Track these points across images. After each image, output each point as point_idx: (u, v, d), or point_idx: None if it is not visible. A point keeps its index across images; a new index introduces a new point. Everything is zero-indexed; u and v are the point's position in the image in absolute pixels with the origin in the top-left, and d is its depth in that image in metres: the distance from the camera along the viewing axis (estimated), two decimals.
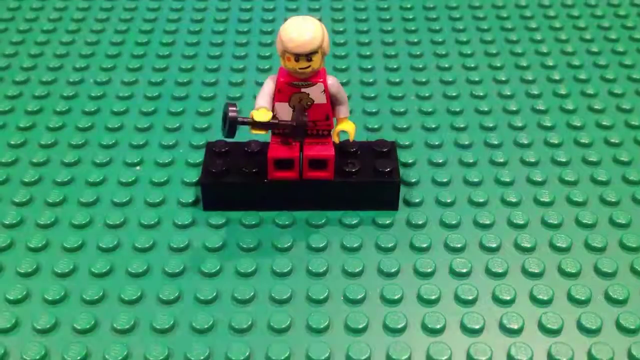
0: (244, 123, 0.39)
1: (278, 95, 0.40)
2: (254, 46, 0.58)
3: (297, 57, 0.38)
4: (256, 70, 0.55)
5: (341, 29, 0.60)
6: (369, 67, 0.55)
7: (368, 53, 0.57)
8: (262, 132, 0.39)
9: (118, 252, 0.40)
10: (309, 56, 0.38)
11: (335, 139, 0.41)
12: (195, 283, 0.38)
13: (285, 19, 0.39)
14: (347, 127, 0.41)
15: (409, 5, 0.63)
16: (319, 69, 0.39)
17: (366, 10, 0.63)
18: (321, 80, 0.40)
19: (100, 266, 0.39)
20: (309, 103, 0.40)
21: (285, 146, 0.41)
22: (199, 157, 0.46)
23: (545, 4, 0.63)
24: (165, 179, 0.45)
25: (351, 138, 0.41)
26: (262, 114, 0.39)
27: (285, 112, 0.40)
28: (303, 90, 0.39)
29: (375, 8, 0.63)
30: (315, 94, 0.40)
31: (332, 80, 0.40)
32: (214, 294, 0.38)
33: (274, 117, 0.39)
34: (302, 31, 0.38)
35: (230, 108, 0.38)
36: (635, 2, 0.64)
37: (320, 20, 0.39)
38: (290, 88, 0.39)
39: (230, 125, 0.38)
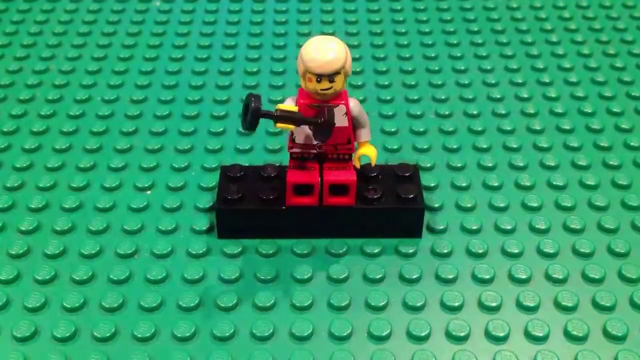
0: (267, 115, 0.36)
1: None
2: (266, 62, 0.56)
3: (319, 77, 0.36)
4: (269, 87, 0.53)
5: (356, 43, 0.58)
6: (386, 83, 0.53)
7: (384, 68, 0.55)
8: (287, 128, 0.37)
9: (130, 284, 0.38)
10: (331, 77, 0.36)
11: (357, 164, 0.39)
12: (211, 318, 0.37)
13: (301, 35, 0.37)
14: (368, 152, 0.39)
15: (424, 18, 0.61)
16: (341, 90, 0.37)
17: (381, 22, 0.61)
18: (343, 102, 0.38)
19: (111, 300, 0.37)
20: None
21: (304, 171, 0.39)
22: (211, 180, 0.44)
23: (566, 17, 0.61)
24: (177, 204, 0.43)
25: (373, 163, 0.40)
26: (287, 105, 0.37)
27: (304, 136, 0.38)
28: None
29: (390, 21, 0.61)
30: (337, 116, 0.38)
31: (353, 103, 0.38)
32: (232, 330, 0.36)
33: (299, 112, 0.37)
34: (325, 51, 0.36)
35: (253, 98, 0.36)
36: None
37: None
38: (311, 110, 0.38)
39: (253, 115, 0.36)
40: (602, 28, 0.60)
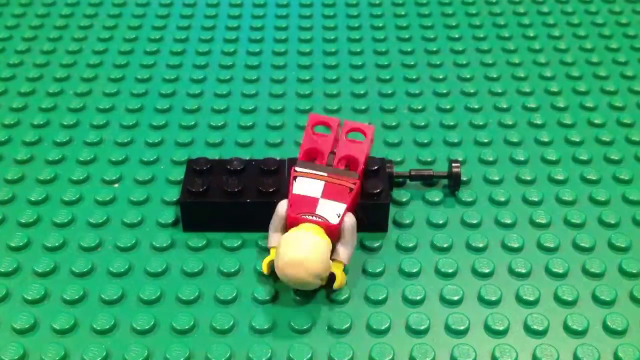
0: None
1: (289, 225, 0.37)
2: (242, 56, 0.56)
3: None
4: (243, 80, 0.53)
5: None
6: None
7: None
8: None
9: (92, 276, 0.38)
10: None
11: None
12: (172, 311, 0.36)
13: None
14: (337, 272, 0.37)
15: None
16: None
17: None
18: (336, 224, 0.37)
19: (72, 292, 0.37)
20: None
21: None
22: (180, 174, 0.44)
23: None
24: (144, 197, 0.43)
25: (336, 285, 0.37)
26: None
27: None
28: (314, 221, 0.37)
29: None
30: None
31: (348, 222, 0.37)
32: (192, 323, 0.36)
33: None
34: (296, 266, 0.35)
35: None
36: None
37: None
38: (301, 219, 0.37)
39: None
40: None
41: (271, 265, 0.37)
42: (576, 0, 0.63)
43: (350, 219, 0.37)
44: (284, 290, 0.37)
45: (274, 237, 0.38)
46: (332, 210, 0.37)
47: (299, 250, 0.35)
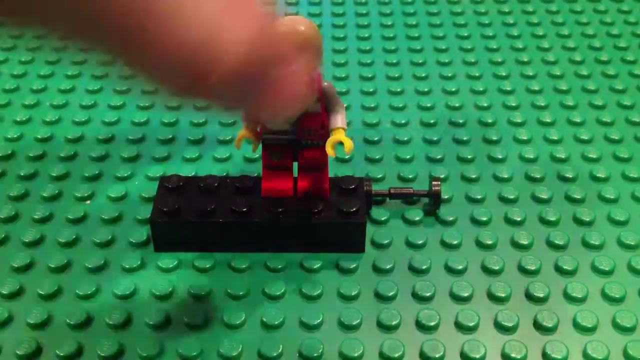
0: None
1: None
2: None
3: None
4: None
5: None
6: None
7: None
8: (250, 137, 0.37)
9: (58, 299, 0.37)
10: None
11: (330, 152, 0.36)
12: (139, 336, 0.35)
13: None
14: (342, 139, 0.36)
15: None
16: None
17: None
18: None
19: (36, 316, 0.36)
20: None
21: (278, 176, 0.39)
22: (154, 190, 0.43)
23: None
24: (116, 214, 0.42)
25: (347, 152, 0.36)
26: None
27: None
28: None
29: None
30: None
31: (327, 84, 0.36)
32: (158, 350, 0.34)
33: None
34: None
35: None
36: None
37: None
38: None
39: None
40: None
41: (243, 139, 0.37)
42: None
43: (327, 83, 0.36)
44: (252, 316, 0.36)
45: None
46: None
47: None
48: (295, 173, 0.40)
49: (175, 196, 0.40)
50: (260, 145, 0.39)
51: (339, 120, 0.36)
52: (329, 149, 0.36)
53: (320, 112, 0.37)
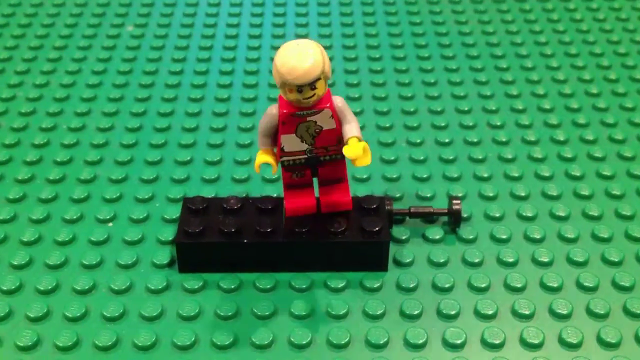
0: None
1: (283, 128, 0.37)
2: (238, 84, 0.55)
3: (300, 87, 0.35)
4: (240, 100, 0.53)
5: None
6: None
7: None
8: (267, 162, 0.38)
9: (85, 321, 0.37)
10: (312, 84, 0.35)
11: (350, 154, 0.36)
12: (168, 357, 0.35)
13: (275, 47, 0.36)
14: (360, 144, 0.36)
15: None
16: (324, 94, 0.36)
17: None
18: (327, 105, 0.36)
19: (65, 338, 0.36)
20: (317, 130, 0.37)
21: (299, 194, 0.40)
22: (175, 212, 0.43)
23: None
24: (139, 237, 0.42)
25: (356, 161, 0.36)
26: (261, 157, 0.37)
27: (293, 144, 0.37)
28: (309, 119, 0.36)
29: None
30: (323, 120, 0.37)
31: (338, 101, 0.37)
32: None
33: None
34: (301, 59, 0.34)
35: None
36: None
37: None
38: (295, 119, 0.36)
39: None
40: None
41: (261, 165, 0.37)
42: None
43: (338, 100, 0.37)
44: (282, 336, 0.36)
45: (263, 140, 0.37)
46: (325, 117, 0.37)
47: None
48: (316, 189, 0.40)
49: (200, 217, 0.40)
50: (280, 166, 0.39)
51: (353, 129, 0.37)
52: (346, 152, 0.36)
53: (335, 128, 0.37)
